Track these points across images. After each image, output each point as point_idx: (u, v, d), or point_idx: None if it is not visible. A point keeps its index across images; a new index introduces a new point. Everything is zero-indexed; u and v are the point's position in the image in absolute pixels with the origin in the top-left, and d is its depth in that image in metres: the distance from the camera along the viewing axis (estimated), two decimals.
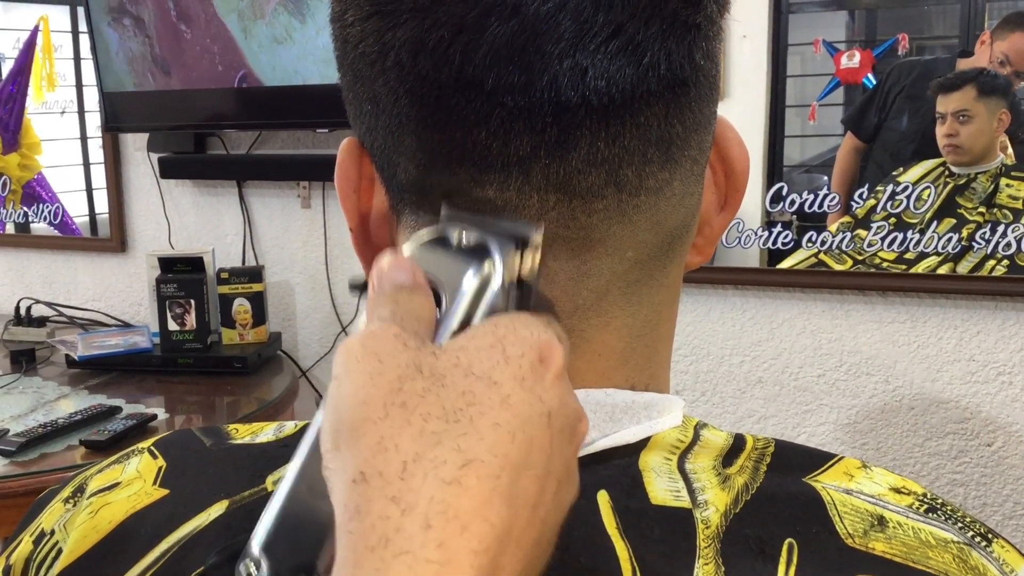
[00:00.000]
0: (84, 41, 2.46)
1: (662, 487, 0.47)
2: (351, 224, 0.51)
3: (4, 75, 2.73)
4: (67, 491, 0.55)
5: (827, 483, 0.49)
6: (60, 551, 0.50)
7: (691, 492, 0.47)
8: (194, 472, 0.52)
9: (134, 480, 0.52)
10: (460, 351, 0.37)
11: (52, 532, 0.52)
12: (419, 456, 0.34)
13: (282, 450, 0.52)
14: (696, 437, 0.50)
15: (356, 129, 0.50)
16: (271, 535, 0.38)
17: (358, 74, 0.47)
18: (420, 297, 0.40)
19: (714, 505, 0.46)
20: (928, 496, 0.51)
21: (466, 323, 0.40)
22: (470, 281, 0.40)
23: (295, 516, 0.38)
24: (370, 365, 0.36)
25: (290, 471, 0.39)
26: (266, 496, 0.48)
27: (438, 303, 0.40)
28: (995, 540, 0.50)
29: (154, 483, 0.51)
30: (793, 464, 0.50)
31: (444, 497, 0.33)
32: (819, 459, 0.51)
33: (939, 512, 0.50)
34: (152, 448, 0.55)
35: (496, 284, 0.41)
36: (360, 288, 0.45)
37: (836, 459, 0.51)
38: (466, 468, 0.34)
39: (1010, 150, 1.86)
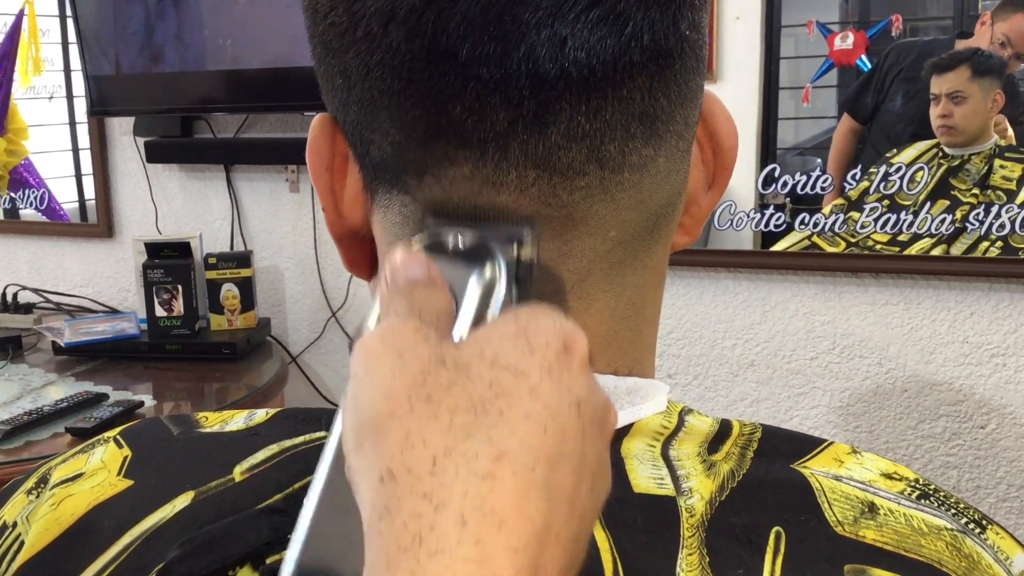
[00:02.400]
0: (71, 25, 2.44)
1: (645, 475, 0.45)
2: (324, 204, 0.50)
3: None
4: (30, 482, 0.53)
5: (816, 469, 0.48)
6: (22, 544, 0.49)
7: (675, 480, 0.45)
8: (160, 462, 0.50)
9: (98, 471, 0.50)
10: (484, 341, 0.35)
11: (15, 524, 0.51)
12: (449, 450, 0.32)
13: (251, 439, 0.50)
14: (681, 423, 0.49)
15: (328, 104, 0.48)
16: (300, 565, 0.36)
17: (328, 46, 0.45)
18: (437, 291, 0.38)
19: (699, 493, 0.45)
20: (920, 482, 0.49)
21: (478, 323, 0.39)
22: (475, 283, 0.39)
23: (324, 540, 0.36)
24: (390, 360, 0.34)
25: (312, 494, 0.37)
26: (233, 486, 0.47)
27: None
28: (990, 527, 0.49)
29: (119, 473, 0.50)
30: (781, 450, 0.49)
31: (479, 492, 0.31)
32: (808, 444, 0.50)
33: (932, 498, 0.48)
34: (118, 437, 0.53)
35: (502, 286, 0.40)
36: None
37: (825, 444, 0.50)
38: (499, 461, 0.32)
39: (1010, 131, 1.84)
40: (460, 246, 0.41)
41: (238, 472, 0.48)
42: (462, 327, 0.38)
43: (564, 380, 0.35)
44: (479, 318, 0.39)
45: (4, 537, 0.50)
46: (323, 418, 0.51)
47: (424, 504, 0.31)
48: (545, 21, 0.40)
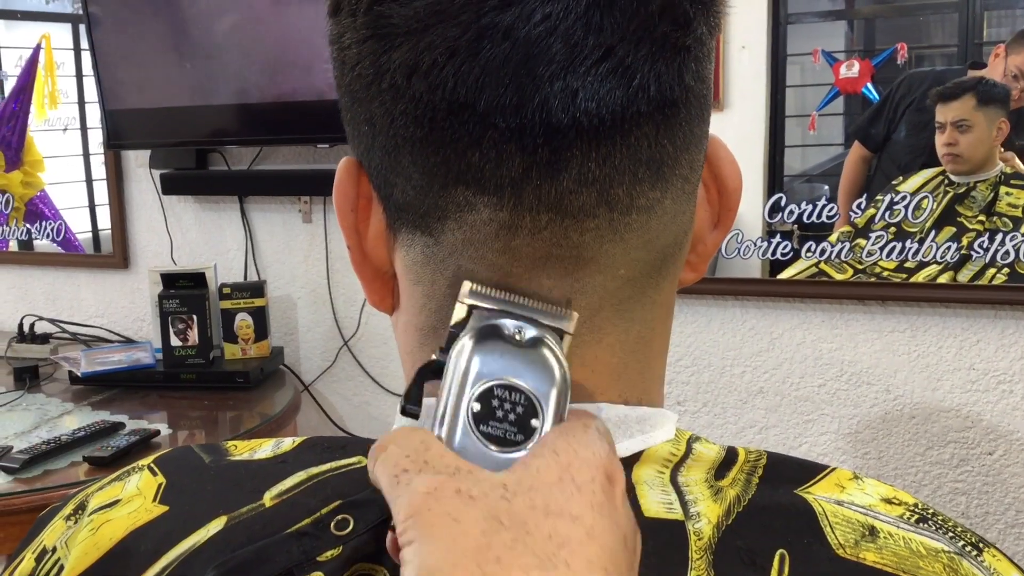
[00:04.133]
0: (86, 58, 2.48)
1: (655, 500, 0.47)
2: (349, 242, 0.52)
3: (6, 93, 2.74)
4: (68, 508, 0.55)
5: (819, 494, 0.50)
6: (61, 568, 0.51)
7: (683, 504, 0.47)
8: (193, 489, 0.52)
9: (134, 497, 0.53)
10: (531, 492, 0.37)
11: (54, 549, 0.53)
12: None
13: (279, 466, 0.52)
14: (689, 450, 0.51)
15: (354, 149, 0.51)
16: None
17: (355, 95, 0.48)
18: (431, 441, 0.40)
19: (706, 517, 0.47)
20: (919, 506, 0.51)
21: (559, 421, 0.41)
22: (551, 389, 0.41)
23: None
24: (447, 527, 0.36)
25: None
26: (264, 511, 0.49)
27: (490, 399, 0.41)
28: (986, 550, 0.50)
29: (154, 500, 0.52)
30: (785, 476, 0.51)
31: None
32: (811, 471, 0.52)
33: (930, 522, 0.50)
34: (152, 465, 0.55)
35: (569, 381, 0.42)
36: (413, 409, 0.45)
37: (828, 470, 0.52)
38: None
39: (1018, 164, 1.86)
40: (518, 338, 0.43)
41: (268, 498, 0.50)
42: (545, 428, 0.41)
43: (612, 516, 0.37)
44: (559, 419, 0.41)
45: (44, 561, 0.53)
46: (346, 446, 0.53)
47: None
48: (558, 74, 0.42)
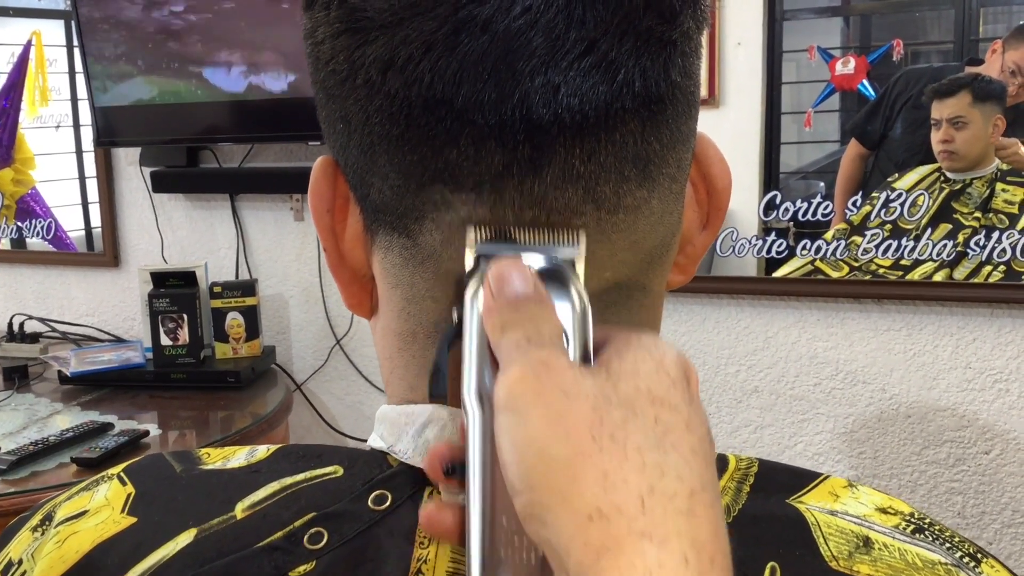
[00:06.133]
0: (78, 55, 2.46)
1: None
2: (325, 245, 0.51)
3: None
4: (35, 519, 0.54)
5: (812, 504, 0.48)
6: None
7: None
8: (163, 499, 0.50)
9: (102, 508, 0.51)
10: (635, 376, 0.37)
11: (20, 562, 0.51)
12: (652, 489, 0.34)
13: (252, 476, 0.50)
14: None
15: (330, 147, 0.49)
16: None
17: (329, 92, 0.46)
18: (549, 310, 0.40)
19: None
20: (915, 516, 0.50)
21: (584, 353, 0.40)
22: (568, 313, 0.41)
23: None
24: (556, 399, 0.35)
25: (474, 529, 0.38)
26: (235, 524, 0.47)
27: None
28: (984, 560, 0.49)
29: (122, 511, 0.50)
30: (777, 485, 0.49)
31: (688, 529, 0.33)
32: (804, 479, 0.50)
33: (926, 532, 0.49)
34: (122, 474, 0.54)
35: (589, 310, 0.41)
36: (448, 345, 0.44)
37: (822, 478, 0.51)
38: (693, 498, 0.34)
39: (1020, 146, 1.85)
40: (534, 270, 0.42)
41: (240, 509, 0.48)
42: (574, 355, 0.40)
43: (700, 411, 0.37)
44: (585, 349, 0.40)
45: (9, 575, 0.51)
46: (322, 455, 0.51)
47: (646, 543, 0.33)
48: (539, 69, 0.41)
